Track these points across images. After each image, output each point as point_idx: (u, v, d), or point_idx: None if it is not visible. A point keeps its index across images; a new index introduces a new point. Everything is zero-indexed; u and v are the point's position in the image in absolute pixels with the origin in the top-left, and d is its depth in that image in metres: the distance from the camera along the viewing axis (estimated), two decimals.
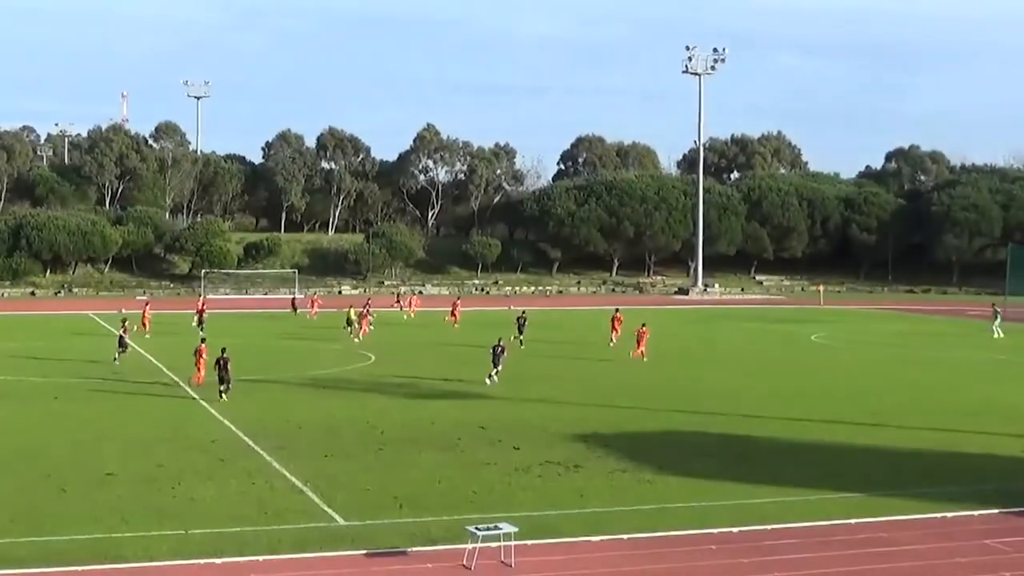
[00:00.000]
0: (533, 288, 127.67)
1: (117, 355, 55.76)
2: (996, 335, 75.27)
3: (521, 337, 65.64)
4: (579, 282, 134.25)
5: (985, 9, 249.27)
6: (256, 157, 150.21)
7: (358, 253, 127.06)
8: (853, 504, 28.54)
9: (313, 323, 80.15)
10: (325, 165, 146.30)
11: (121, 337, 57.21)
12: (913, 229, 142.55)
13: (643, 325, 60.12)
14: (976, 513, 27.79)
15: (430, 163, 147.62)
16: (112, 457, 33.14)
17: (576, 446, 35.39)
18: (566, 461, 33.03)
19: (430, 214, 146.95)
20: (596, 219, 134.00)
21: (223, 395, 44.07)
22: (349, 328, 70.23)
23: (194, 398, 44.63)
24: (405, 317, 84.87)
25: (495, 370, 49.81)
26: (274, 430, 37.67)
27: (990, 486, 30.67)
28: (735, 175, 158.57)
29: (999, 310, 79.16)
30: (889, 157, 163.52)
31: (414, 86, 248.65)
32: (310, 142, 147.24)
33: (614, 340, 64.22)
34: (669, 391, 48.37)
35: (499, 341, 51.63)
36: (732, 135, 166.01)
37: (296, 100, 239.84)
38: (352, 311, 71.98)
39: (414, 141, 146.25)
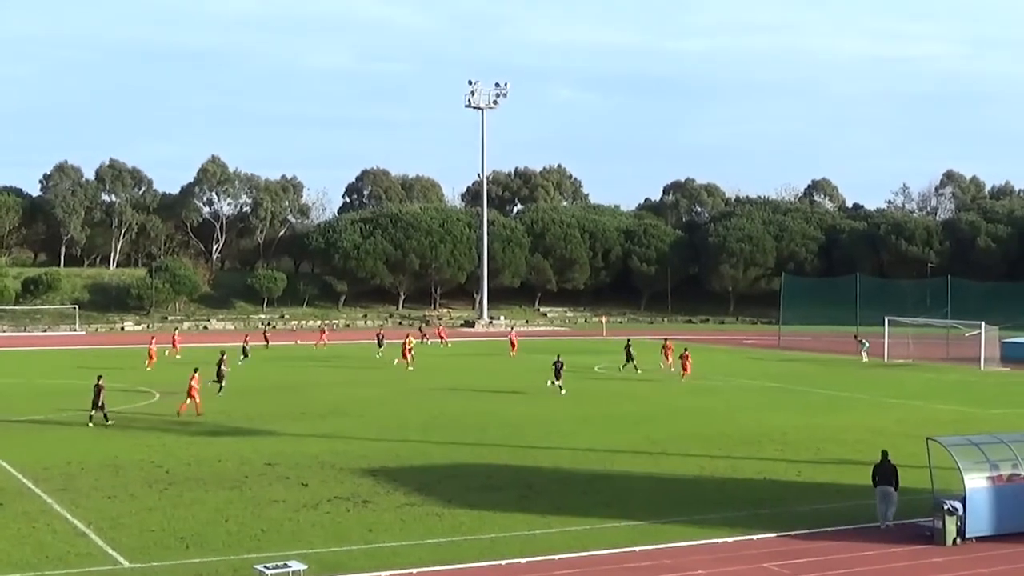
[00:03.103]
0: (319, 322, 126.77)
1: (221, 387, 57.70)
2: (865, 360, 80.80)
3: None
4: (365, 315, 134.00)
5: (755, 46, 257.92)
6: (34, 190, 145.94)
7: (141, 288, 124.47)
8: (638, 531, 29.15)
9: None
10: (105, 198, 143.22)
11: (219, 365, 59.28)
12: (691, 260, 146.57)
13: (685, 350, 70.00)
14: (755, 537, 28.66)
15: (214, 196, 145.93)
16: None
17: (364, 481, 35.35)
18: (355, 496, 32.98)
19: (214, 248, 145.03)
20: (382, 252, 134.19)
21: (93, 420, 46.63)
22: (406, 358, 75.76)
23: None
24: (442, 346, 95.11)
25: (556, 382, 59.93)
26: (56, 471, 36.63)
27: (767, 510, 31.68)
28: (518, 207, 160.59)
29: (865, 341, 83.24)
30: (667, 190, 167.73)
31: (198, 118, 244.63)
32: (89, 174, 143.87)
33: (668, 365, 73.23)
34: (456, 424, 48.62)
35: (558, 357, 62.35)
36: (515, 168, 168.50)
37: (75, 131, 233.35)
38: (410, 339, 79.08)
39: (198, 173, 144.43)
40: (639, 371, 69.10)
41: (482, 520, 30.22)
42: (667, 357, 74.88)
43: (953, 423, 48.72)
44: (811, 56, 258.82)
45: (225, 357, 61.41)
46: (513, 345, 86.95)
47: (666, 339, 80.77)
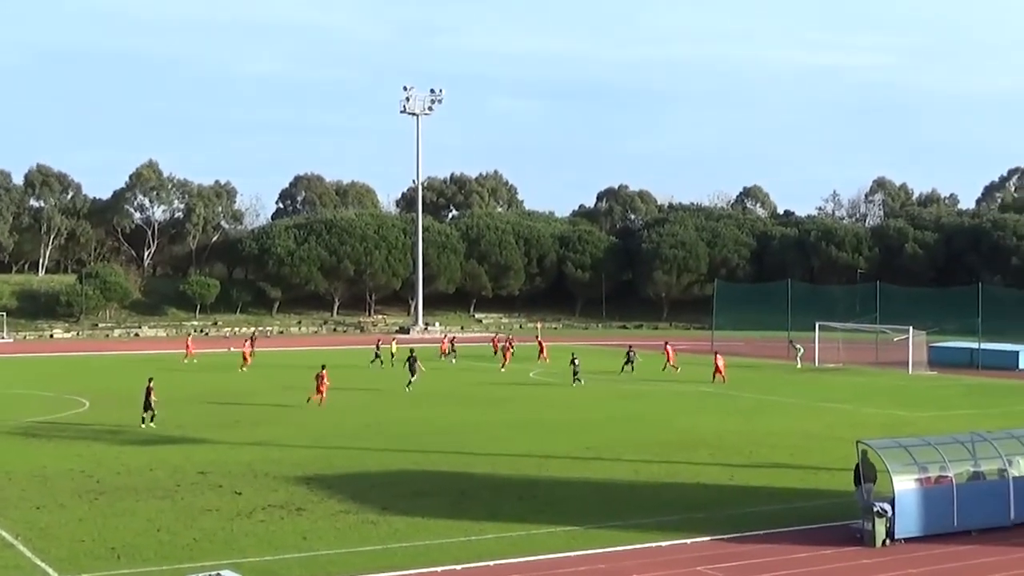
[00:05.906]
0: (254, 329, 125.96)
1: (410, 382, 64.37)
2: (799, 366, 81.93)
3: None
4: (300, 322, 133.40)
5: (688, 56, 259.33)
6: None
7: (70, 294, 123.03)
8: (572, 537, 29.23)
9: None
10: (34, 203, 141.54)
11: (411, 362, 66.22)
12: (625, 266, 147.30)
13: (716, 354, 73.75)
14: (689, 541, 28.83)
15: (146, 201, 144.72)
16: None
17: (298, 489, 35.19)
18: (288, 504, 32.81)
19: (146, 254, 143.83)
20: (316, 258, 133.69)
21: (145, 422, 48.52)
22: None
23: None
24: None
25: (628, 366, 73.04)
26: None
27: (701, 514, 31.89)
28: (454, 213, 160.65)
29: (799, 346, 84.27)
30: (601, 196, 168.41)
31: (129, 123, 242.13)
32: (17, 179, 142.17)
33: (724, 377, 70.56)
34: (390, 430, 48.53)
35: (630, 347, 74.83)
36: (451, 174, 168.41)
37: (1, 136, 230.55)
38: (394, 345, 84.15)
39: (130, 178, 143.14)
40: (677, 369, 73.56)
41: (417, 527, 30.18)
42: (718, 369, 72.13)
43: (883, 426, 49.26)
44: (744, 65, 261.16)
45: (403, 350, 67.18)
46: (542, 349, 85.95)
47: (716, 352, 77.13)
